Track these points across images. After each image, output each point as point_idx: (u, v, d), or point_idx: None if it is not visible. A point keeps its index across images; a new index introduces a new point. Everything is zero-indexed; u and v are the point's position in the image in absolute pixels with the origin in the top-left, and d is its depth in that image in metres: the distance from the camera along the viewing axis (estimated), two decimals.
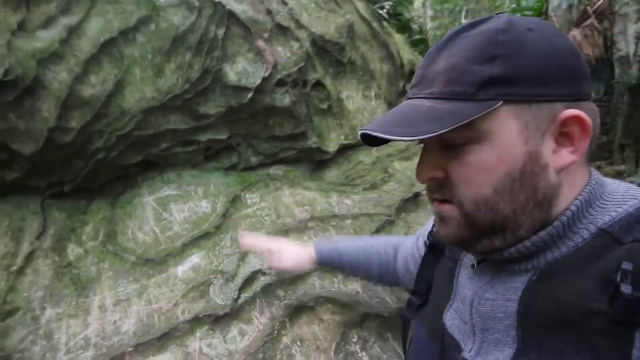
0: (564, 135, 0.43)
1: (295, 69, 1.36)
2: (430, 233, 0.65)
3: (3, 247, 1.09)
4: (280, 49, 1.37)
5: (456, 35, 0.45)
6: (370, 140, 0.46)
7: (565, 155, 0.43)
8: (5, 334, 0.91)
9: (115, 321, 0.93)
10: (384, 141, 0.46)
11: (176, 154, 1.25)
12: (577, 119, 0.41)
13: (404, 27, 6.53)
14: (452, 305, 0.53)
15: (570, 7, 5.48)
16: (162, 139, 1.20)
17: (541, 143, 0.42)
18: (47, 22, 1.14)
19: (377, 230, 1.28)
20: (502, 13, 0.46)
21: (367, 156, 1.58)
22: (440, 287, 0.58)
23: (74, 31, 1.12)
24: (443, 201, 0.47)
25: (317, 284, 1.08)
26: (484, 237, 0.46)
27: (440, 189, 0.47)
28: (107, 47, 1.13)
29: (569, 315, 0.39)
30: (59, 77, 1.05)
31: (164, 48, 1.20)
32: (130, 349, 0.87)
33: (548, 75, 0.41)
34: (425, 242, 0.66)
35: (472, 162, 0.44)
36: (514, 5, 6.83)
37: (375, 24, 1.82)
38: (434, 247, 0.63)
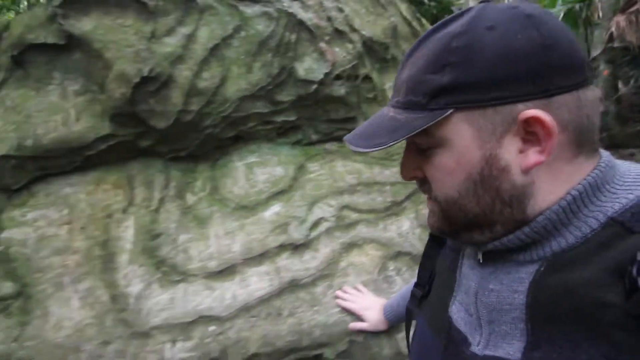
0: (532, 134, 0.41)
1: (349, 66, 1.72)
2: None
3: (141, 193, 1.55)
4: (337, 49, 1.73)
5: (426, 38, 0.46)
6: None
7: (532, 156, 0.41)
8: (156, 248, 1.36)
9: (227, 244, 1.36)
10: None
11: (258, 131, 1.65)
12: (536, 120, 0.40)
13: (444, 9, 6.62)
14: (456, 297, 0.53)
15: None
16: (250, 120, 1.60)
17: (498, 146, 0.42)
18: (169, 31, 1.55)
19: (409, 195, 1.64)
20: (482, 3, 0.44)
21: None
22: (442, 278, 0.58)
23: (190, 39, 1.53)
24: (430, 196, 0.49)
25: (364, 230, 1.47)
26: (462, 232, 0.47)
27: (422, 186, 0.50)
28: (214, 51, 1.53)
29: (581, 307, 0.38)
30: (184, 74, 1.46)
31: (252, 50, 1.59)
32: (240, 262, 1.30)
33: (504, 78, 0.40)
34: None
35: (437, 166, 0.45)
36: None
37: (415, 23, 2.13)
38: (436, 238, 0.63)
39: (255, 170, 1.61)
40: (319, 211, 1.48)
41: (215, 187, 1.55)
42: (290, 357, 1.17)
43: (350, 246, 1.40)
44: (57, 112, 1.57)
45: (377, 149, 0.44)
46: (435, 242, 0.63)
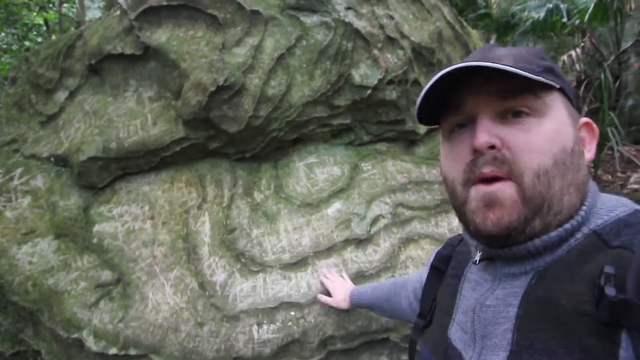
0: (579, 139, 0.50)
1: (401, 71, 1.82)
2: (435, 257, 0.69)
3: (212, 191, 1.70)
4: (389, 56, 1.84)
5: (495, 47, 0.53)
6: (424, 116, 0.55)
7: (586, 153, 0.51)
8: (233, 242, 1.51)
9: (296, 239, 1.50)
10: (431, 121, 0.56)
11: (316, 133, 1.78)
12: (589, 125, 0.52)
13: (469, 2, 6.59)
14: (454, 319, 0.56)
15: None
16: (311, 123, 1.73)
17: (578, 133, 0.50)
18: (238, 42, 1.68)
19: None
20: None
21: None
22: (443, 305, 0.61)
23: (257, 49, 1.66)
24: (492, 180, 0.47)
25: (418, 226, 1.60)
26: (533, 218, 0.46)
27: (494, 162, 0.47)
28: (280, 60, 1.65)
29: (562, 316, 0.40)
30: (254, 82, 1.60)
31: (313, 59, 1.71)
32: (310, 254, 1.45)
33: (571, 89, 0.51)
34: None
35: (535, 131, 0.46)
36: None
37: (457, 27, 2.21)
38: (437, 270, 0.66)
39: (315, 170, 1.74)
40: (376, 209, 1.61)
41: (280, 185, 1.70)
42: (361, 339, 1.31)
43: (407, 241, 1.53)
44: (136, 117, 1.73)
45: (538, 78, 0.46)
46: (435, 273, 0.66)
